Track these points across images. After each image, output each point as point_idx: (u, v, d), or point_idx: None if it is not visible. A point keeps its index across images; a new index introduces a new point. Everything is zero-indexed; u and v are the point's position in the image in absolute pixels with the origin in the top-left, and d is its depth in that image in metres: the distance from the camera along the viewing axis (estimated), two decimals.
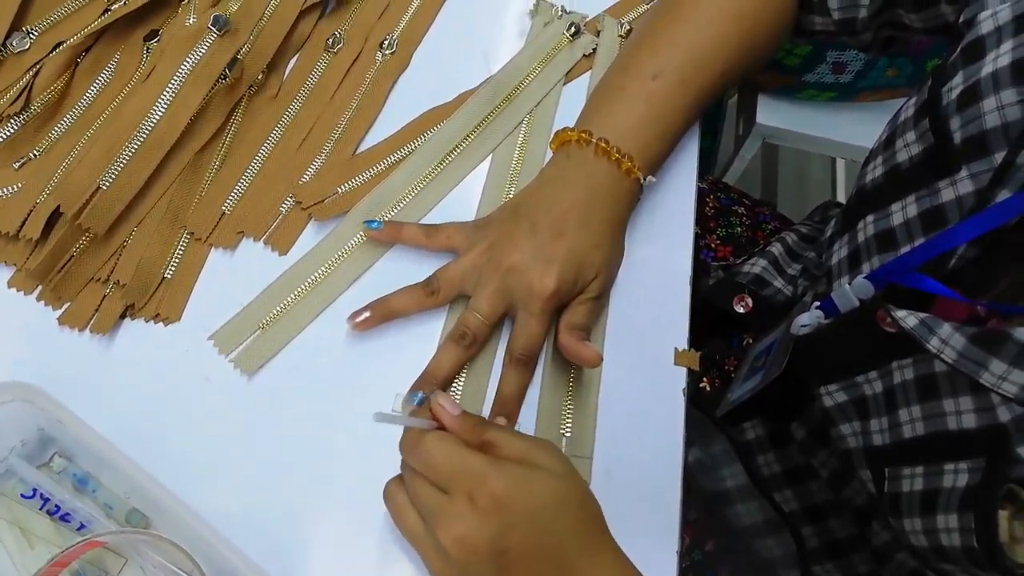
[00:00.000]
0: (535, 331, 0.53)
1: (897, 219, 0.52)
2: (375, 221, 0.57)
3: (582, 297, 0.55)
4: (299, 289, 0.56)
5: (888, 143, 0.55)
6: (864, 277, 0.51)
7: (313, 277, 0.56)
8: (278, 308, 0.55)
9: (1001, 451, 0.41)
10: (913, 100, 0.54)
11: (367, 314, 0.54)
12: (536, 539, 0.41)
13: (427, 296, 0.54)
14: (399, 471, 0.47)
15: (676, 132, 0.60)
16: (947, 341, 0.43)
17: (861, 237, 0.55)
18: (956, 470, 0.44)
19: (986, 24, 0.48)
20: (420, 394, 0.50)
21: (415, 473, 0.43)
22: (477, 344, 0.54)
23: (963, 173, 0.47)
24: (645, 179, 0.57)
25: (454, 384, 0.55)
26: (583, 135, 0.56)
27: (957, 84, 0.48)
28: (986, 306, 0.45)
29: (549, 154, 0.61)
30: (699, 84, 0.59)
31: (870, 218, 0.54)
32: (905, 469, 0.47)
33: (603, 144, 0.56)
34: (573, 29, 0.68)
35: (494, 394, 0.54)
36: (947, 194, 0.48)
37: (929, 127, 0.50)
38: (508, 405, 0.53)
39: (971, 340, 0.41)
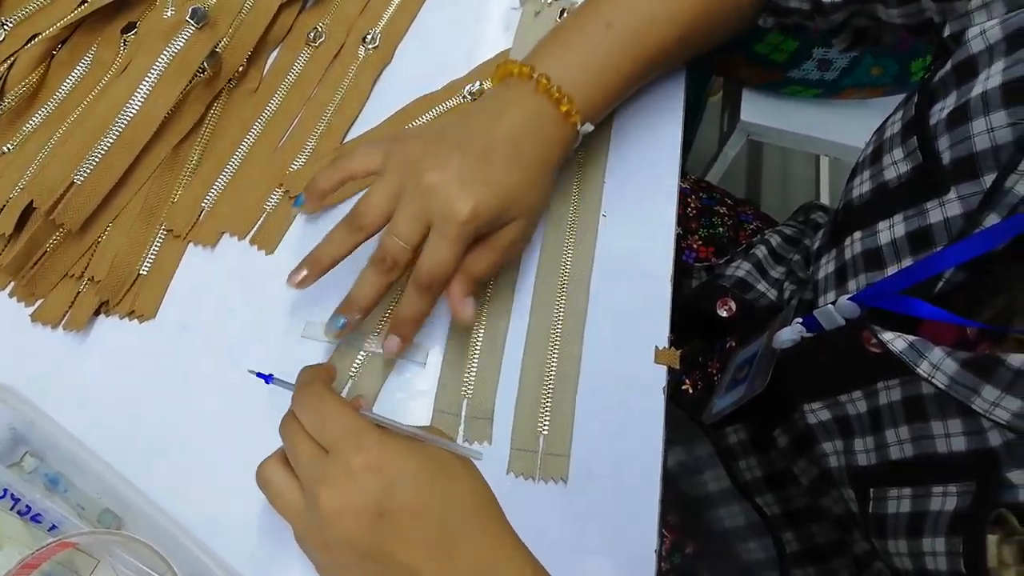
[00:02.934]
0: (444, 256, 0.49)
1: (884, 238, 0.50)
2: (299, 198, 0.54)
3: (494, 241, 0.51)
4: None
5: (875, 158, 0.53)
6: (849, 299, 0.49)
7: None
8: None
9: (991, 475, 0.40)
10: (899, 114, 0.53)
11: (304, 272, 0.51)
12: (416, 502, 0.40)
13: (354, 233, 0.51)
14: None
15: (621, 86, 0.57)
16: (938, 366, 0.41)
17: (848, 254, 0.54)
18: (945, 493, 0.43)
19: (976, 42, 0.47)
20: (343, 319, 0.50)
21: (300, 432, 0.42)
22: (399, 268, 0.50)
23: (952, 195, 0.46)
24: (582, 125, 0.55)
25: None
26: (524, 68, 0.54)
27: (950, 104, 0.47)
28: (977, 326, 0.44)
29: None
30: (653, 43, 0.57)
31: (857, 235, 0.53)
32: (892, 490, 0.47)
33: (544, 80, 0.53)
34: (563, 13, 0.68)
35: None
36: (935, 215, 0.47)
37: (917, 145, 0.49)
38: (404, 327, 0.51)
39: (963, 365, 0.40)
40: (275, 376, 0.48)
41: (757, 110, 1.16)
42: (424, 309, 0.51)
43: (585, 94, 0.54)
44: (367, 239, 0.51)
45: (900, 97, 1.09)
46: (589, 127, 0.55)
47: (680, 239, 0.79)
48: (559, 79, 0.53)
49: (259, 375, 0.48)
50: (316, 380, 0.44)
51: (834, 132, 1.15)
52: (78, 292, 0.54)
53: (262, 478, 0.44)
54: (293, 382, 0.48)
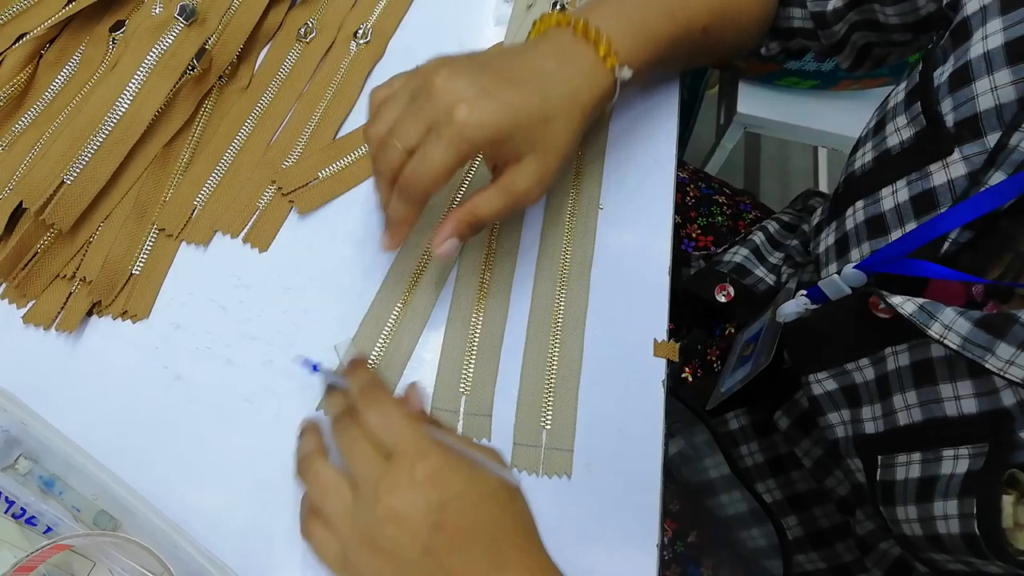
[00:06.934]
0: (433, 159, 0.45)
1: (887, 204, 0.50)
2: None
3: (505, 180, 0.48)
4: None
5: (878, 129, 0.54)
6: (855, 267, 0.49)
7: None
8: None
9: (1004, 435, 0.40)
10: (903, 85, 0.53)
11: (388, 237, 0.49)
12: (471, 520, 0.39)
13: (371, 150, 0.48)
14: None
15: (656, 45, 0.55)
16: (950, 326, 0.41)
17: (850, 224, 0.54)
18: (956, 456, 0.43)
19: (971, 5, 0.47)
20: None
21: (358, 435, 0.41)
22: (396, 173, 0.47)
23: (956, 156, 0.46)
24: (620, 69, 0.51)
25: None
26: (563, 17, 0.52)
27: (948, 68, 0.48)
28: (985, 283, 0.43)
29: None
30: (685, 24, 0.56)
31: (860, 204, 0.53)
32: (900, 456, 0.46)
33: (582, 23, 0.51)
34: (559, 6, 0.67)
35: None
36: (939, 177, 0.47)
37: (921, 110, 0.49)
38: (391, 227, 0.49)
39: (977, 324, 0.40)
40: (322, 366, 0.48)
41: (754, 102, 1.15)
42: (410, 215, 0.48)
43: (624, 41, 0.51)
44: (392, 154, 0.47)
45: None
46: (627, 72, 0.52)
47: (679, 228, 0.78)
48: (597, 23, 0.51)
49: (306, 361, 0.48)
50: (377, 383, 0.44)
51: (831, 123, 1.15)
52: (70, 293, 0.53)
53: (310, 472, 0.43)
54: (336, 374, 0.48)
